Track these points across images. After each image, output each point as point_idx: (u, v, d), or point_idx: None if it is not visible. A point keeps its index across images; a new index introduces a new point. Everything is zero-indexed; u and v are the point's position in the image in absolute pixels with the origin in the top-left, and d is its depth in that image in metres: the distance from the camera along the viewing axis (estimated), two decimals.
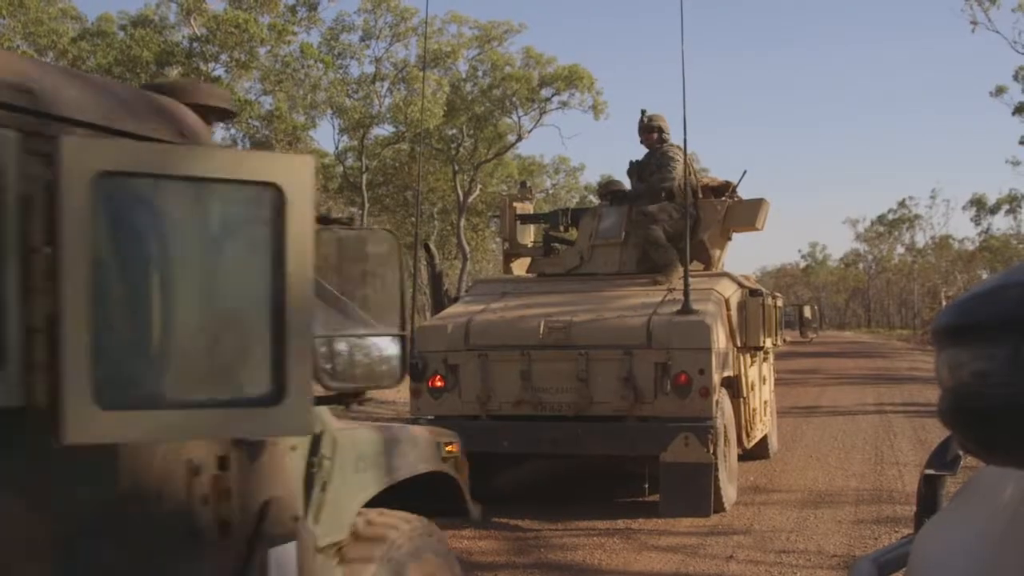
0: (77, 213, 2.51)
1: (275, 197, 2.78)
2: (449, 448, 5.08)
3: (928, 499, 3.01)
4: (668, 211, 12.79)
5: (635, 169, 13.81)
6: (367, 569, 4.18)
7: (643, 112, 13.72)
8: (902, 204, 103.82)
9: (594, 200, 15.16)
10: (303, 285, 2.82)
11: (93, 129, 2.89)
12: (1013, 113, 52.55)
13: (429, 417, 11.10)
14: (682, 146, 12.79)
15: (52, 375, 2.57)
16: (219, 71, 36.57)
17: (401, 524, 4.45)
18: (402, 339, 3.69)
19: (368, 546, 4.24)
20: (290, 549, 3.51)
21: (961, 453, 2.96)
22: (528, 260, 14.44)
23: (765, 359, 14.35)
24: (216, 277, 2.90)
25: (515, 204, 14.49)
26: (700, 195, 13.58)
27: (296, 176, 2.82)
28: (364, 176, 45.09)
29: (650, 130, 13.47)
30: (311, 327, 2.90)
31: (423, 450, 4.85)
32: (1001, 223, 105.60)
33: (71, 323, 2.51)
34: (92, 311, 2.54)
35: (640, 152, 13.95)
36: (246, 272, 2.86)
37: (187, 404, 2.77)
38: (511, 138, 48.98)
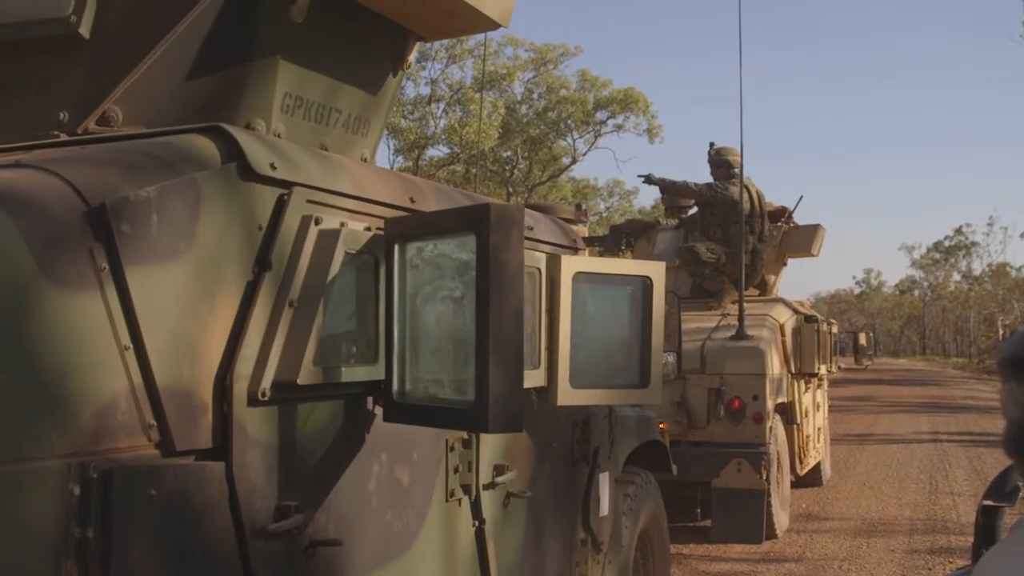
0: (568, 294, 4.29)
1: (647, 284, 4.50)
2: (661, 425, 7.22)
3: (986, 530, 2.98)
4: (717, 253, 12.69)
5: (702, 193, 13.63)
6: (626, 498, 6.21)
7: (711, 145, 13.57)
8: (959, 231, 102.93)
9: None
10: (660, 329, 4.52)
11: (553, 247, 5.09)
12: None
13: None
14: (748, 181, 12.75)
15: (551, 370, 4.28)
16: None
17: (641, 474, 6.59)
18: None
19: (626, 484, 6.29)
20: (605, 475, 5.68)
21: (1021, 484, 2.93)
22: None
23: (819, 386, 14.26)
24: (615, 326, 4.56)
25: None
26: (765, 237, 13.33)
27: (657, 272, 4.52)
28: None
29: (718, 164, 13.32)
30: (661, 352, 4.58)
31: (651, 425, 6.77)
32: None
33: (562, 345, 4.27)
34: (571, 343, 4.31)
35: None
36: (630, 323, 4.52)
37: (607, 386, 4.48)
38: (565, 160, 49.06)
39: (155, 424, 2.79)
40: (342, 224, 3.45)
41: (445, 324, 3.43)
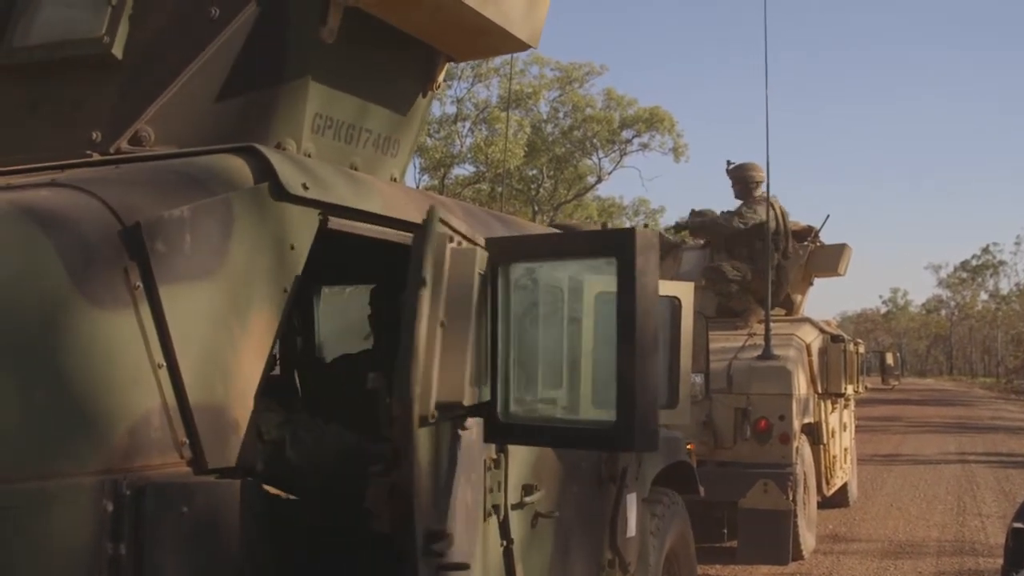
0: (591, 313, 3.72)
1: (675, 304, 4.71)
2: (689, 446, 7.16)
3: (1016, 553, 2.98)
4: (743, 271, 12.68)
5: (705, 217, 13.62)
6: (653, 518, 6.17)
7: (728, 163, 13.56)
8: (986, 250, 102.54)
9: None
10: (688, 350, 4.60)
11: None
12: None
13: None
14: (774, 199, 12.73)
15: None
16: None
17: (668, 494, 6.50)
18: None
19: (654, 504, 6.22)
20: (633, 496, 5.64)
21: None
22: None
23: (846, 406, 14.20)
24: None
25: None
26: (789, 253, 13.32)
27: (686, 292, 4.92)
28: None
29: (738, 180, 13.32)
30: (689, 372, 4.69)
31: (679, 445, 6.66)
32: None
33: (584, 365, 3.69)
34: (595, 362, 3.68)
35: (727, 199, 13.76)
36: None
37: None
38: (591, 179, 49.05)
39: (187, 441, 2.81)
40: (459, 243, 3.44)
41: (562, 345, 3.50)
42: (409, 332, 3.05)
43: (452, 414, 3.21)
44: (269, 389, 3.47)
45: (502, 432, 3.51)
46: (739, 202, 13.34)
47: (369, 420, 3.88)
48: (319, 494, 3.92)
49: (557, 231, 4.79)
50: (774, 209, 12.93)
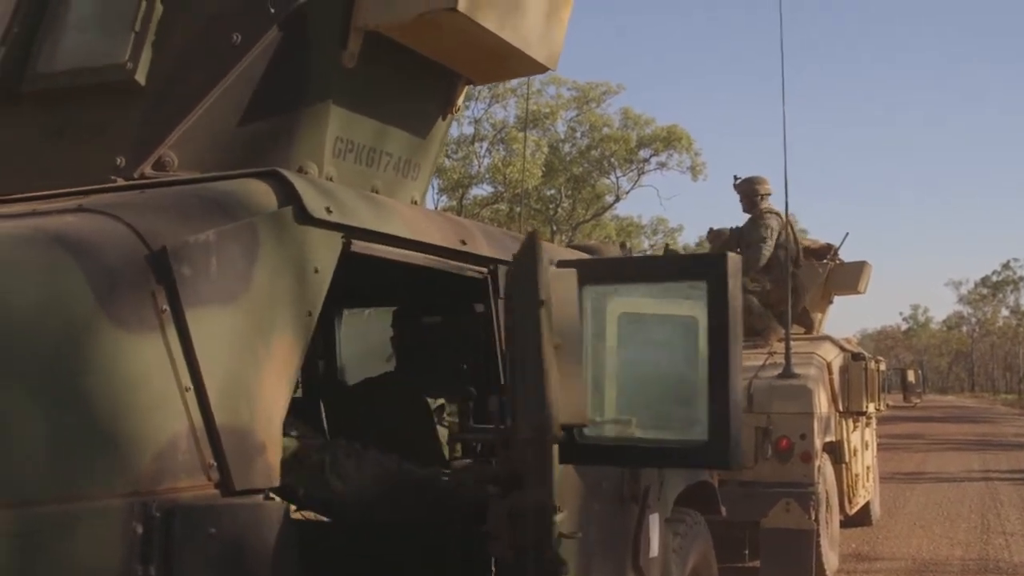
0: (614, 334, 3.71)
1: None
2: None
3: None
4: (762, 283, 12.68)
5: (723, 237, 13.64)
6: (675, 537, 6.06)
7: (735, 177, 13.59)
8: (1006, 266, 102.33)
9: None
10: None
11: None
12: None
13: None
14: (780, 211, 12.72)
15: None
16: None
17: (691, 514, 6.40)
18: None
19: (676, 524, 6.10)
20: (655, 516, 5.52)
21: None
22: None
23: (867, 424, 14.14)
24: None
25: None
26: (801, 262, 13.34)
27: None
28: None
29: (743, 195, 13.35)
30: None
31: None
32: None
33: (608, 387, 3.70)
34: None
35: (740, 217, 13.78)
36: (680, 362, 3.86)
37: None
38: (609, 199, 49.13)
39: (215, 464, 2.83)
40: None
41: (646, 366, 3.54)
42: (534, 353, 3.10)
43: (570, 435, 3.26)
44: (299, 413, 3.52)
45: (583, 453, 3.56)
46: (747, 216, 13.35)
47: (400, 443, 3.91)
48: (359, 519, 3.94)
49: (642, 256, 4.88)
50: (782, 220, 12.95)
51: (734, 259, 3.39)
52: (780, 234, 12.91)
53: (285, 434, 3.53)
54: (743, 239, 13.24)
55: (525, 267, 3.24)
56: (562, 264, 3.51)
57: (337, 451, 3.70)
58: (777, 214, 12.99)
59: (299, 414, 3.69)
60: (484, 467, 3.58)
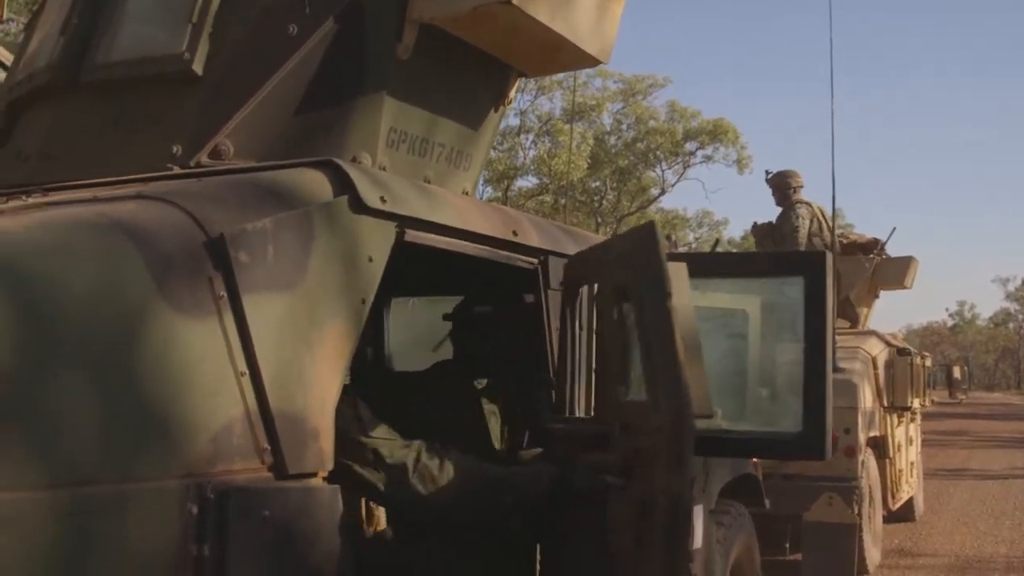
0: None
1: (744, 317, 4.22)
2: (753, 459, 6.81)
3: None
4: None
5: (764, 231, 13.64)
6: (719, 528, 6.03)
7: (767, 172, 13.60)
8: None
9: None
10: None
11: None
12: None
13: None
14: (811, 201, 12.75)
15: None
16: None
17: (736, 505, 6.33)
18: None
19: (720, 516, 6.06)
20: (700, 507, 5.21)
21: None
22: None
23: (912, 419, 14.08)
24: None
25: None
26: (836, 252, 13.30)
27: (752, 305, 4.30)
28: None
29: (775, 189, 13.35)
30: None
31: (745, 459, 6.39)
32: None
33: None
34: None
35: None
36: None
37: None
38: (654, 191, 48.99)
39: (268, 448, 2.88)
40: None
41: (734, 357, 3.60)
42: (666, 345, 3.13)
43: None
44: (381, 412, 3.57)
45: None
46: (779, 210, 13.35)
47: (453, 435, 3.92)
48: (436, 521, 3.93)
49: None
50: (814, 209, 12.96)
51: (830, 258, 3.46)
52: (812, 223, 12.91)
53: (366, 435, 3.58)
54: (776, 232, 13.25)
55: (649, 260, 3.27)
56: (673, 257, 3.53)
57: (421, 451, 3.67)
58: (807, 204, 13.03)
59: (381, 413, 3.71)
60: (597, 458, 3.53)
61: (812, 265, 3.63)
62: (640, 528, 3.21)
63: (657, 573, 3.11)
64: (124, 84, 4.01)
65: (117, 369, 2.61)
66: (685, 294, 3.30)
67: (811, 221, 12.95)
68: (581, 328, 4.04)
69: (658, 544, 3.14)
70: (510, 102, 4.72)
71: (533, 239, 4.13)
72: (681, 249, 47.84)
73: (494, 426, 4.49)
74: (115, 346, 2.63)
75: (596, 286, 3.91)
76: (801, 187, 13.22)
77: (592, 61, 4.58)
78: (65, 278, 2.62)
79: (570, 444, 3.79)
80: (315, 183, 3.28)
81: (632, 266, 3.42)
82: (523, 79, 4.93)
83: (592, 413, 3.88)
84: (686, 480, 3.07)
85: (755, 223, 13.87)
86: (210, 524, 2.68)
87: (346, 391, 3.44)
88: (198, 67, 3.87)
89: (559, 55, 4.45)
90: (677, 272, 3.31)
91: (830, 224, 13.21)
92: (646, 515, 3.18)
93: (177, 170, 3.78)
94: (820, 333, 3.58)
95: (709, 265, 3.65)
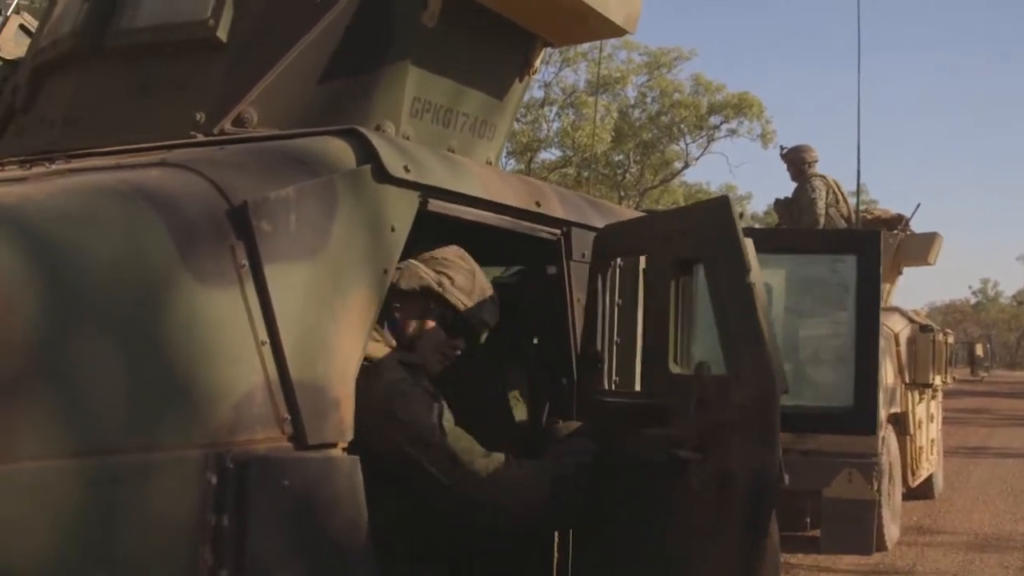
0: None
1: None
2: None
3: None
4: None
5: (783, 205, 13.65)
6: None
7: (782, 148, 13.65)
8: None
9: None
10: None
11: None
12: None
13: None
14: (826, 175, 12.77)
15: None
16: None
17: None
18: None
19: None
20: None
21: None
22: None
23: (933, 397, 14.05)
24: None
25: None
26: (852, 223, 13.29)
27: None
28: None
29: (790, 164, 13.35)
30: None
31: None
32: None
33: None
34: None
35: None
36: None
37: None
38: (678, 165, 48.84)
39: (289, 418, 2.87)
40: None
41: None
42: (750, 318, 3.15)
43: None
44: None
45: None
46: (795, 185, 13.36)
47: (477, 413, 3.92)
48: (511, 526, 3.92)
49: (648, 215, 4.81)
50: (829, 182, 12.97)
51: (885, 237, 3.51)
52: (828, 195, 12.92)
53: (446, 440, 3.53)
54: (794, 206, 13.25)
55: (727, 234, 3.26)
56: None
57: (500, 461, 3.59)
58: (823, 177, 13.05)
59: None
60: (662, 433, 3.49)
61: (866, 243, 3.69)
62: (720, 501, 3.21)
63: (738, 545, 3.13)
64: (148, 50, 4.00)
65: (137, 338, 2.60)
66: (757, 269, 3.28)
67: (827, 193, 12.96)
68: (616, 301, 4.02)
69: (738, 517, 3.15)
70: (535, 72, 4.68)
71: (557, 210, 4.11)
72: None
73: (519, 400, 4.47)
74: (137, 314, 2.62)
75: (644, 259, 3.91)
76: (816, 161, 13.26)
77: (618, 31, 4.55)
78: (87, 245, 2.61)
79: (622, 419, 3.77)
80: (338, 151, 3.27)
81: (706, 240, 3.41)
82: (548, 49, 4.89)
83: (641, 387, 3.90)
84: (775, 455, 3.07)
85: (776, 199, 13.88)
86: (229, 494, 2.67)
87: (433, 397, 3.52)
88: (222, 34, 3.86)
89: (585, 24, 4.42)
90: (748, 247, 3.30)
91: (845, 196, 13.21)
92: (726, 488, 3.19)
93: (200, 137, 3.77)
94: (872, 311, 3.64)
95: (767, 241, 3.65)
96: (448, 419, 3.57)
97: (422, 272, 3.78)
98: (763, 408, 3.08)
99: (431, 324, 3.81)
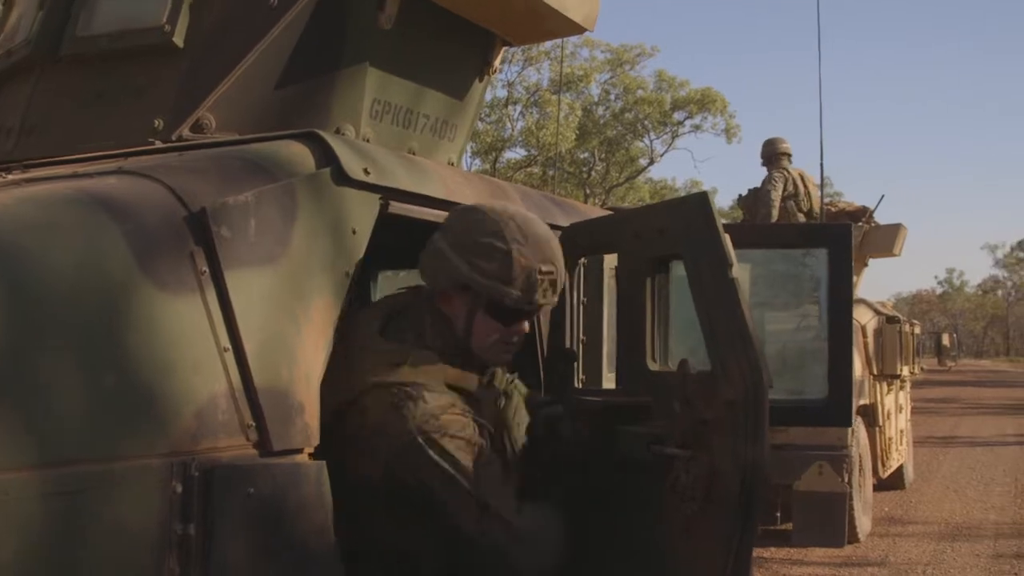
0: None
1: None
2: None
3: None
4: None
5: (747, 200, 13.76)
6: None
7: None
8: None
9: None
10: None
11: None
12: None
13: None
14: (792, 168, 12.86)
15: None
16: None
17: None
18: None
19: None
20: None
21: None
22: None
23: (901, 387, 14.12)
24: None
25: None
26: (815, 215, 13.38)
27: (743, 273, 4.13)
28: None
29: (762, 156, 13.47)
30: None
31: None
32: None
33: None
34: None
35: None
36: None
37: None
38: (643, 162, 49.00)
39: (253, 424, 2.84)
40: None
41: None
42: (734, 316, 3.16)
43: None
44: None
45: None
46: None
47: None
48: None
49: (614, 212, 4.80)
50: (791, 174, 13.05)
51: (854, 231, 3.55)
52: (786, 187, 12.99)
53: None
54: (758, 199, 13.35)
55: (708, 230, 3.26)
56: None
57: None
58: (784, 170, 13.14)
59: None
60: (654, 431, 3.47)
61: (837, 237, 3.71)
62: (710, 495, 3.22)
63: (727, 540, 3.14)
64: (104, 57, 3.97)
65: (98, 347, 2.57)
66: (737, 265, 3.29)
67: (784, 185, 13.04)
68: (582, 300, 4.02)
69: (727, 513, 3.17)
70: (496, 71, 4.68)
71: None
72: None
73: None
74: (95, 324, 2.59)
75: (617, 257, 3.90)
76: (785, 154, 13.34)
77: (577, 29, 4.55)
78: (45, 255, 2.58)
79: (604, 416, 3.75)
80: (297, 155, 3.24)
81: (686, 237, 3.41)
82: (509, 48, 4.89)
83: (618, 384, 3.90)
84: (764, 450, 3.09)
85: (740, 194, 13.97)
86: (195, 502, 2.65)
87: (477, 431, 3.35)
88: (179, 39, 3.83)
89: (544, 22, 4.42)
90: (727, 243, 3.31)
91: (810, 189, 13.28)
92: (715, 484, 3.20)
93: (159, 144, 3.75)
94: (845, 303, 3.68)
95: (739, 235, 3.66)
96: (491, 462, 3.36)
97: (453, 264, 3.44)
98: (753, 404, 3.10)
99: (480, 316, 3.50)
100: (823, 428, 10.45)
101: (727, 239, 3.23)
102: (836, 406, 3.63)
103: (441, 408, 3.28)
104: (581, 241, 4.00)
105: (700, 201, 3.35)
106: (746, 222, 13.73)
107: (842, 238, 3.77)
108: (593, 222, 4.19)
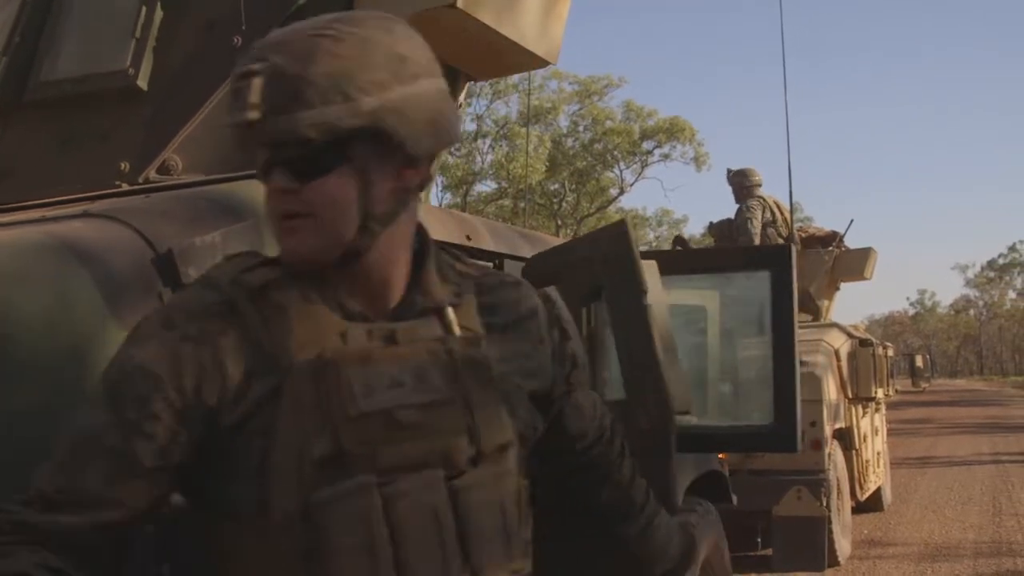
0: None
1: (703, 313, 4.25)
2: (721, 455, 6.70)
3: None
4: None
5: (719, 228, 13.80)
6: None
7: (728, 171, 13.76)
8: (1012, 248, 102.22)
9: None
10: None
11: None
12: None
13: None
14: (766, 196, 12.89)
15: None
16: None
17: (702, 503, 5.96)
18: None
19: (686, 514, 5.45)
20: None
21: None
22: None
23: (877, 410, 14.15)
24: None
25: None
26: (793, 242, 13.45)
27: (711, 300, 4.27)
28: None
29: (734, 186, 13.50)
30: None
31: (712, 455, 6.22)
32: None
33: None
34: None
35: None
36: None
37: None
38: (613, 192, 49.17)
39: None
40: None
41: (694, 353, 3.65)
42: (645, 345, 3.16)
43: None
44: None
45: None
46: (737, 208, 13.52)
47: None
48: None
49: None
50: (766, 201, 13.10)
51: (794, 252, 3.52)
52: (764, 214, 13.04)
53: None
54: (734, 228, 13.38)
55: (623, 258, 3.27)
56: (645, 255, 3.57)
57: None
58: (760, 198, 13.17)
59: None
60: None
61: (777, 259, 3.69)
62: None
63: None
64: (69, 102, 3.97)
65: (68, 391, 2.56)
66: (659, 292, 3.29)
67: (763, 212, 13.09)
68: None
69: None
70: (461, 106, 4.69)
71: (488, 244, 4.11)
72: (641, 250, 47.84)
73: None
74: (65, 368, 2.59)
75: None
76: (758, 184, 13.37)
77: (540, 62, 4.56)
78: (11, 300, 2.58)
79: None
80: (262, 195, 3.24)
81: (606, 265, 3.43)
82: (474, 83, 4.90)
83: None
84: (673, 477, 3.10)
85: (711, 222, 14.02)
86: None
87: None
88: (143, 82, 3.84)
89: (506, 57, 4.43)
90: (650, 270, 3.31)
91: (785, 216, 13.33)
92: None
93: (125, 187, 3.74)
94: (787, 326, 3.67)
95: (677, 262, 3.68)
96: None
97: None
98: (661, 432, 3.11)
99: None
100: (801, 452, 10.47)
101: (646, 266, 3.25)
102: (782, 430, 3.62)
103: None
104: (536, 272, 4.02)
105: (618, 229, 3.37)
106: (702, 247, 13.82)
107: (783, 260, 3.75)
108: (546, 253, 4.21)
